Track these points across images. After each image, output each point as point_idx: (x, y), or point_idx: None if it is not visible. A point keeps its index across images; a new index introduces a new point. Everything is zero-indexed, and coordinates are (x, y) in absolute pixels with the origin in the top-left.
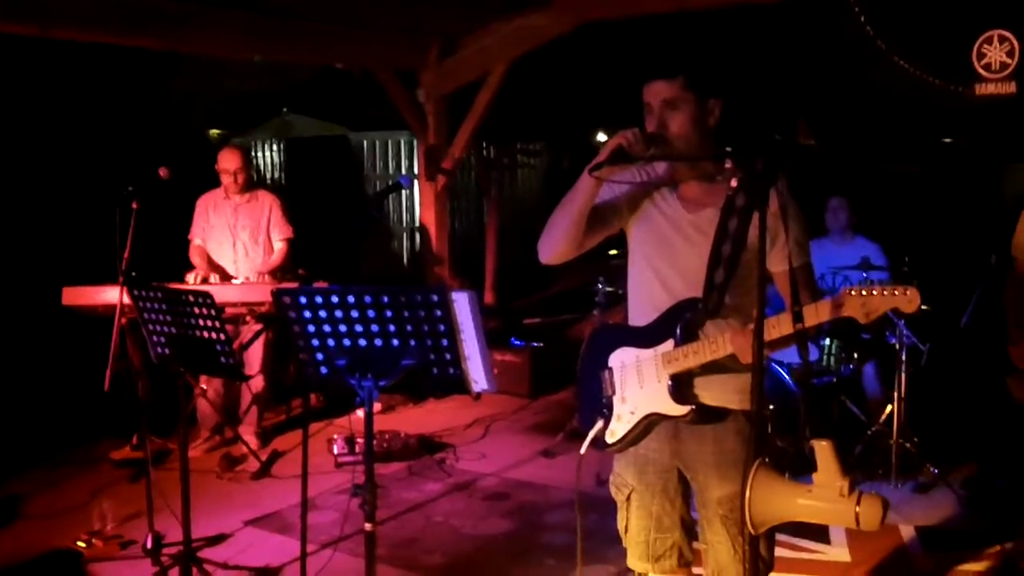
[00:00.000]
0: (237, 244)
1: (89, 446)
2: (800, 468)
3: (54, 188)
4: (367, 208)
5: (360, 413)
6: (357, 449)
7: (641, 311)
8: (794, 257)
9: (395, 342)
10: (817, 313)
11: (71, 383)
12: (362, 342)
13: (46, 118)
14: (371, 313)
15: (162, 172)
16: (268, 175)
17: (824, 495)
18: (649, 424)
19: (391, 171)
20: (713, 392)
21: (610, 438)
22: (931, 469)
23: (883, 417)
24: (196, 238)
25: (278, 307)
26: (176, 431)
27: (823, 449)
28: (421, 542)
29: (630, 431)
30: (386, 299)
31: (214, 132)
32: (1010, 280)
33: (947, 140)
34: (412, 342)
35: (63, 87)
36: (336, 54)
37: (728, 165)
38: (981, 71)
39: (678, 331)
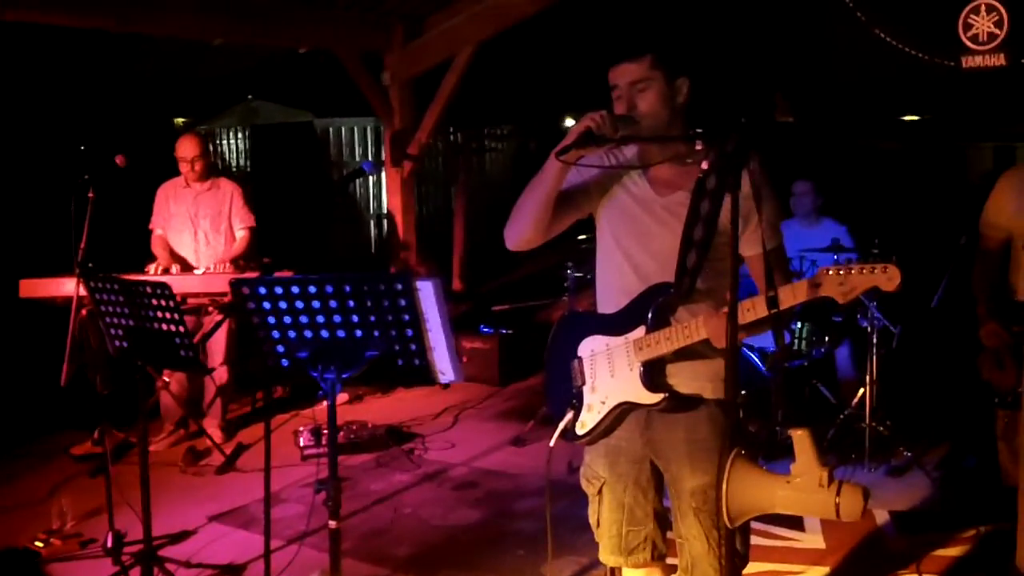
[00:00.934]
0: (198, 233)
1: (49, 440)
2: (773, 453)
3: (10, 177)
4: (331, 194)
5: (324, 404)
6: (323, 441)
7: (611, 297)
8: (767, 239)
9: (358, 333)
10: (794, 294)
11: (30, 375)
12: (324, 333)
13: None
14: (333, 303)
15: (119, 160)
16: (233, 163)
17: (803, 486)
18: (620, 414)
19: (358, 157)
20: (686, 379)
21: (580, 430)
22: (904, 452)
23: (855, 400)
24: (157, 228)
25: (237, 298)
26: (136, 424)
27: (801, 439)
28: (389, 534)
29: (601, 421)
30: (348, 288)
31: (179, 120)
32: (978, 257)
33: (913, 117)
34: (376, 332)
35: (18, 72)
36: (297, 36)
37: (699, 146)
38: (968, 43)
39: (650, 317)
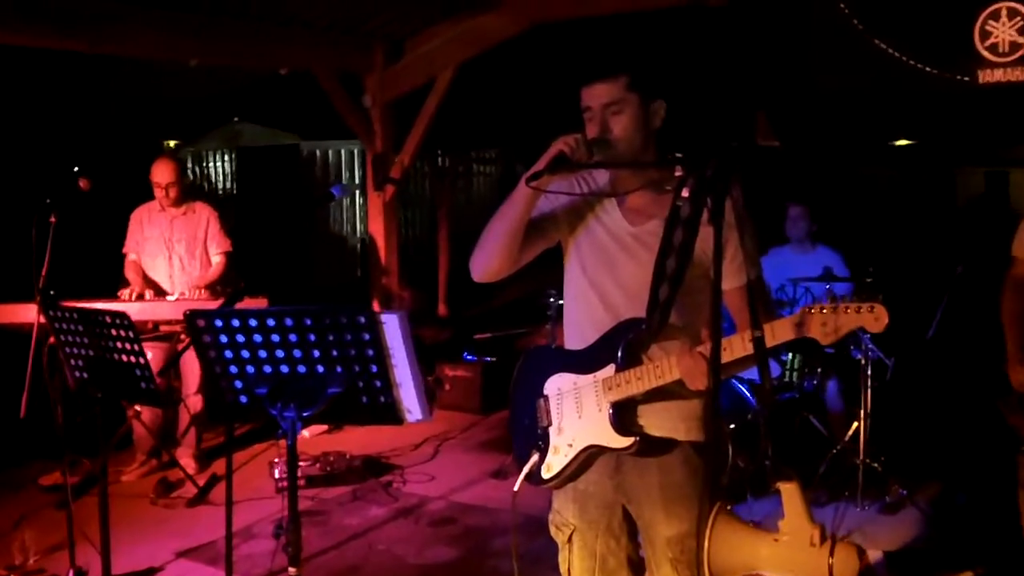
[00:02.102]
0: (173, 258)
1: (16, 470)
2: (760, 488)
3: None
4: (309, 216)
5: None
6: (299, 473)
7: (579, 332)
8: (749, 271)
9: (320, 368)
10: (774, 334)
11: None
12: (284, 368)
13: None
14: (293, 337)
15: (82, 183)
16: (219, 185)
17: (792, 544)
18: (589, 457)
19: (344, 181)
20: (658, 421)
21: (546, 473)
22: (898, 489)
23: (848, 435)
24: (131, 252)
25: (192, 331)
26: (102, 456)
27: (790, 492)
28: (361, 572)
29: (568, 465)
30: (308, 321)
31: (170, 143)
32: (1008, 286)
33: (905, 142)
34: (338, 368)
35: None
36: (275, 57)
37: (678, 172)
38: (986, 54)
39: (619, 354)
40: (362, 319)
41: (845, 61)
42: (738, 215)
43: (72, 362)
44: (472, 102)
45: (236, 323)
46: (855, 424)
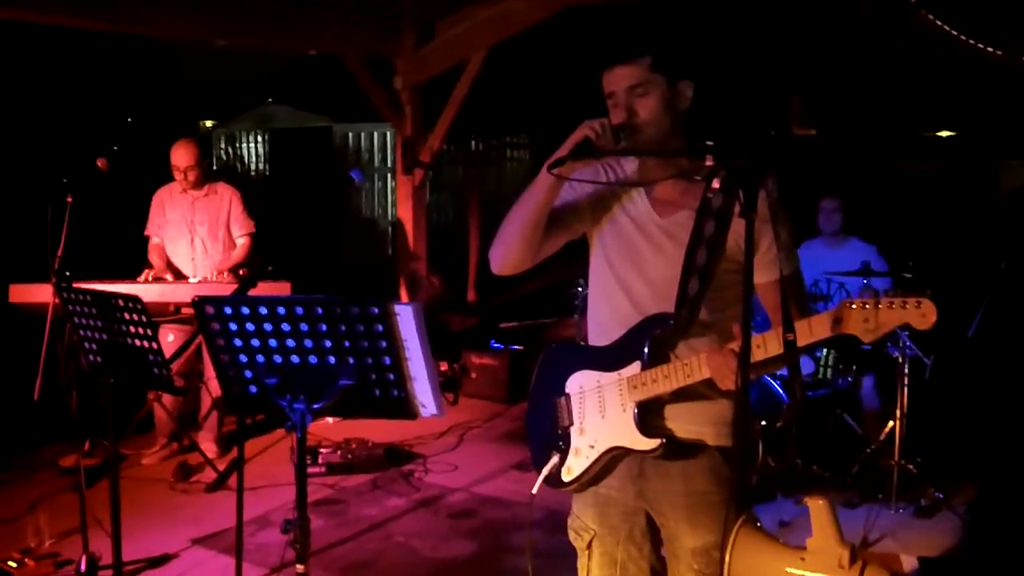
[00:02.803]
0: (195, 240)
1: (33, 452)
2: (790, 488)
3: (13, 179)
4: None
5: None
6: (320, 460)
7: (603, 328)
8: (783, 266)
9: (331, 359)
10: (811, 331)
11: (18, 383)
12: (294, 359)
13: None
14: (303, 326)
15: (100, 163)
16: (252, 166)
17: (819, 564)
18: (611, 459)
19: (376, 164)
20: (685, 423)
21: (566, 476)
22: (934, 492)
23: (883, 435)
24: (153, 235)
25: (200, 318)
26: (126, 436)
27: (819, 509)
28: (375, 566)
29: (589, 467)
30: (319, 311)
31: (206, 124)
32: None
33: (947, 133)
34: (350, 359)
35: (25, 74)
36: (303, 39)
37: (709, 161)
38: None
39: (645, 351)
40: (375, 310)
41: (891, 40)
42: (772, 207)
43: (86, 345)
44: (504, 86)
45: (245, 311)
46: (890, 424)
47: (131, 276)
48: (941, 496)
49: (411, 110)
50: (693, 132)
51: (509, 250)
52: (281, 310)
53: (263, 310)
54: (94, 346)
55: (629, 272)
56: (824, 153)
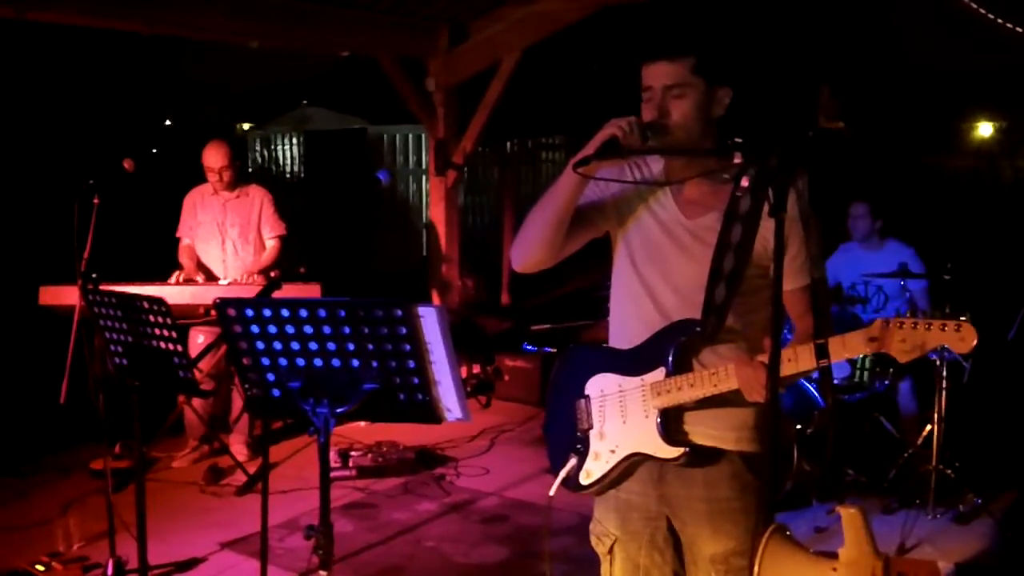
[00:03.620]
0: (226, 242)
1: (67, 453)
2: (826, 493)
3: (42, 181)
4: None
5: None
6: (351, 463)
7: (626, 330)
8: (811, 272)
9: (354, 362)
10: (846, 348)
11: (54, 385)
12: (317, 362)
13: (37, 107)
14: (326, 329)
15: (126, 164)
16: (287, 168)
17: None
18: (631, 465)
19: (411, 166)
20: (706, 429)
21: (585, 479)
22: (973, 498)
23: (920, 439)
24: (184, 237)
25: (222, 321)
26: (157, 438)
27: (852, 519)
28: (406, 571)
29: (609, 472)
30: (342, 313)
31: (244, 126)
32: None
33: (982, 131)
34: (374, 363)
35: (60, 75)
36: (337, 40)
37: (737, 159)
38: None
39: (670, 358)
40: (398, 312)
41: (929, 27)
42: (802, 209)
43: (112, 348)
44: (539, 87)
45: (268, 313)
46: (928, 428)
47: (163, 278)
48: (980, 502)
49: (444, 111)
50: (723, 130)
51: (531, 248)
52: (303, 312)
53: (285, 312)
54: (120, 348)
55: (654, 275)
56: (854, 149)
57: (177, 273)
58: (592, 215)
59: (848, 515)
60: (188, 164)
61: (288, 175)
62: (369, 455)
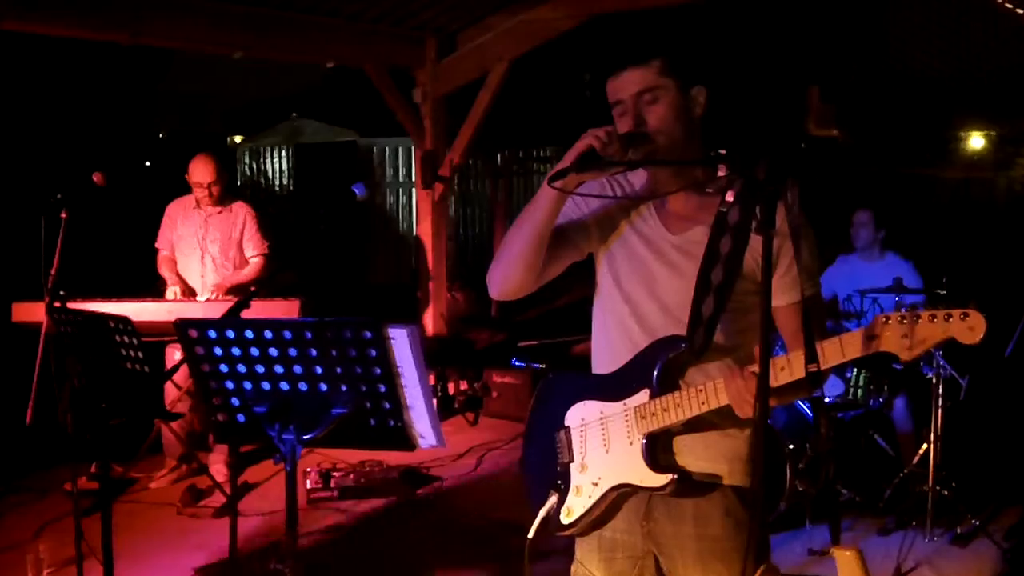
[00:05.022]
0: (205, 258)
1: (49, 472)
2: (820, 515)
3: (18, 194)
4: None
5: None
6: (333, 483)
7: (611, 355)
8: (804, 287)
9: (323, 386)
10: (843, 350)
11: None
12: (284, 386)
13: (17, 119)
14: (292, 351)
15: (96, 178)
16: (276, 182)
17: None
18: (617, 498)
19: (401, 178)
20: (699, 457)
21: (566, 517)
22: (971, 519)
23: (917, 457)
24: (163, 248)
25: (184, 342)
26: (136, 458)
27: (847, 561)
28: None
29: (592, 508)
30: (309, 335)
31: (236, 139)
32: None
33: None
34: (343, 387)
35: (48, 88)
36: (322, 50)
37: (722, 171)
38: None
39: (655, 378)
40: (368, 334)
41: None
42: (792, 223)
43: (78, 368)
44: (531, 98)
45: (231, 334)
46: (924, 446)
47: (149, 292)
48: (978, 523)
49: (431, 123)
50: (708, 139)
51: (510, 273)
52: (268, 334)
53: (249, 334)
54: (86, 369)
55: (639, 292)
56: (846, 159)
57: (172, 286)
58: (573, 235)
59: (843, 556)
60: (181, 177)
61: (278, 189)
62: (352, 475)
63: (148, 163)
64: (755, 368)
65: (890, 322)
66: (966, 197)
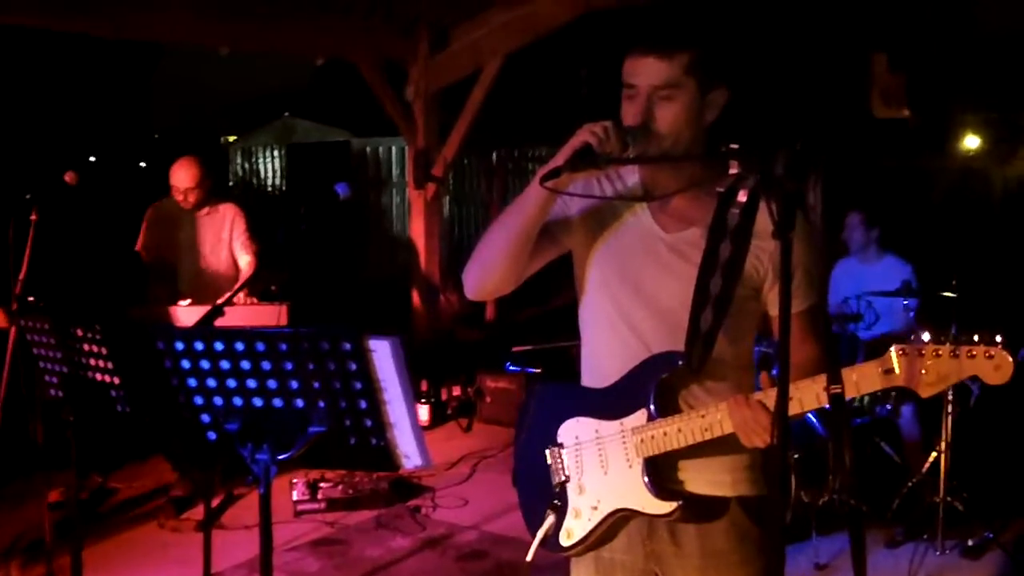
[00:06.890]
0: (192, 260)
1: (25, 483)
2: (827, 525)
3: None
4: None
5: None
6: (320, 495)
7: (600, 365)
8: (808, 295)
9: (298, 402)
10: (858, 385)
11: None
12: (257, 402)
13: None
14: (266, 364)
15: (68, 177)
16: (269, 182)
17: None
18: (618, 521)
19: (395, 178)
20: (700, 474)
21: (566, 540)
22: (983, 530)
23: (926, 466)
24: (145, 251)
25: (150, 354)
26: (116, 470)
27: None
28: None
29: (592, 531)
30: (283, 347)
31: (230, 138)
32: None
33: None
34: (320, 403)
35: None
36: (312, 44)
37: (733, 168)
38: None
39: (652, 398)
40: (347, 345)
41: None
42: (802, 224)
43: (48, 378)
44: (526, 95)
45: (200, 347)
46: (933, 455)
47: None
48: (991, 535)
49: (423, 121)
50: (716, 138)
51: (489, 272)
52: (240, 346)
53: (219, 346)
54: (55, 379)
55: (630, 296)
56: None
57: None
58: (555, 231)
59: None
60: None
61: (270, 188)
62: (340, 486)
63: (143, 164)
64: (761, 396)
65: (908, 356)
66: (968, 190)
